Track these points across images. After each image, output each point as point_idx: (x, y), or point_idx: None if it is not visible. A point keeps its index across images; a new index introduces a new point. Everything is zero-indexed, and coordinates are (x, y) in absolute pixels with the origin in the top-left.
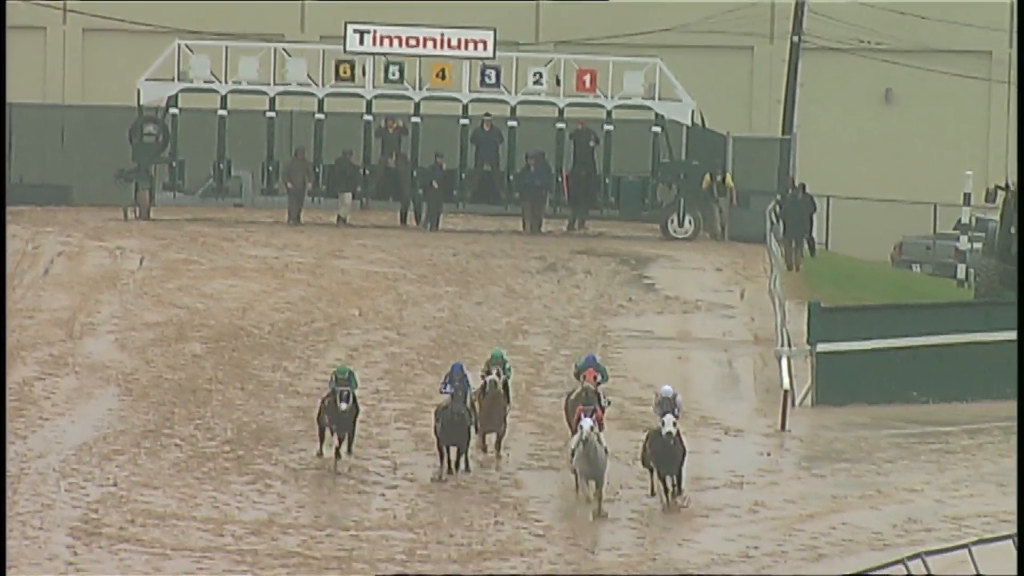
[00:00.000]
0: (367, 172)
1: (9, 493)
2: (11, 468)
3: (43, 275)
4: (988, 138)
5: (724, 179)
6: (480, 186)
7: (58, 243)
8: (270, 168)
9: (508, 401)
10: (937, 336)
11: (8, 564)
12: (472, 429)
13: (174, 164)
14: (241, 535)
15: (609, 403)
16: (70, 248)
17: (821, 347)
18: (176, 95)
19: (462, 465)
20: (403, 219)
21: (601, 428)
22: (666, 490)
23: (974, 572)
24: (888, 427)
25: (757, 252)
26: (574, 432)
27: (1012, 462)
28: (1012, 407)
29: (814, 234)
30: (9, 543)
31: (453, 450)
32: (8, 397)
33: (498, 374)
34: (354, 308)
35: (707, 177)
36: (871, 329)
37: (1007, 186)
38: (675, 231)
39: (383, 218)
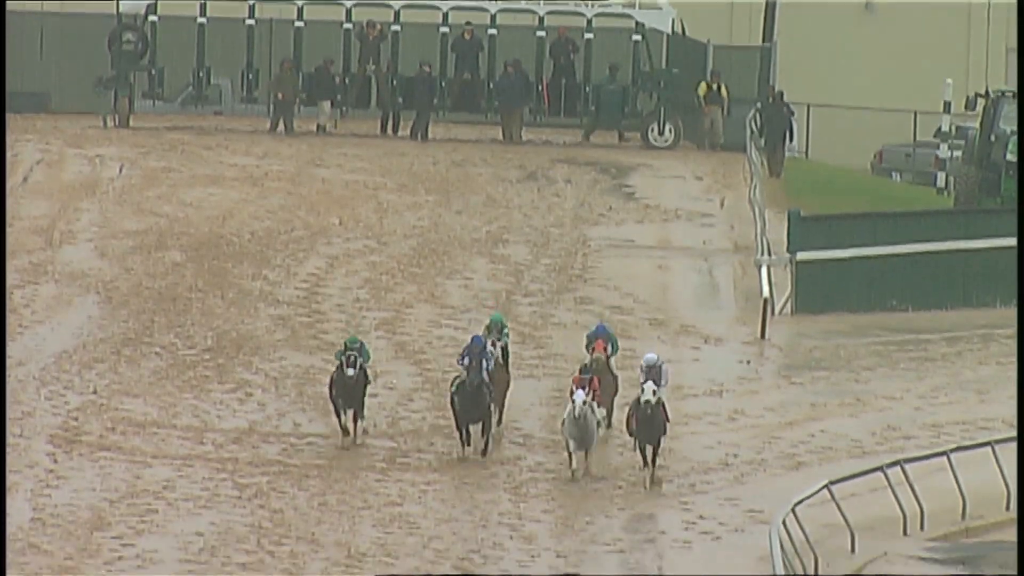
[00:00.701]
0: (347, 80)
1: None
2: None
3: (22, 183)
4: (968, 47)
5: (720, 87)
6: (460, 95)
7: (37, 151)
8: (250, 76)
9: (508, 371)
10: (916, 244)
11: None
12: (492, 405)
13: (153, 72)
14: (222, 443)
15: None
16: (49, 156)
17: (801, 255)
18: (155, 2)
19: (488, 443)
20: (383, 128)
21: (595, 398)
22: (645, 462)
23: (952, 479)
24: (867, 335)
25: (737, 160)
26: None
27: (990, 370)
28: (990, 315)
29: (794, 143)
30: None
31: (475, 429)
32: None
33: (493, 344)
34: (334, 217)
35: (703, 85)
36: (850, 237)
37: (987, 94)
38: (655, 140)
39: (363, 127)
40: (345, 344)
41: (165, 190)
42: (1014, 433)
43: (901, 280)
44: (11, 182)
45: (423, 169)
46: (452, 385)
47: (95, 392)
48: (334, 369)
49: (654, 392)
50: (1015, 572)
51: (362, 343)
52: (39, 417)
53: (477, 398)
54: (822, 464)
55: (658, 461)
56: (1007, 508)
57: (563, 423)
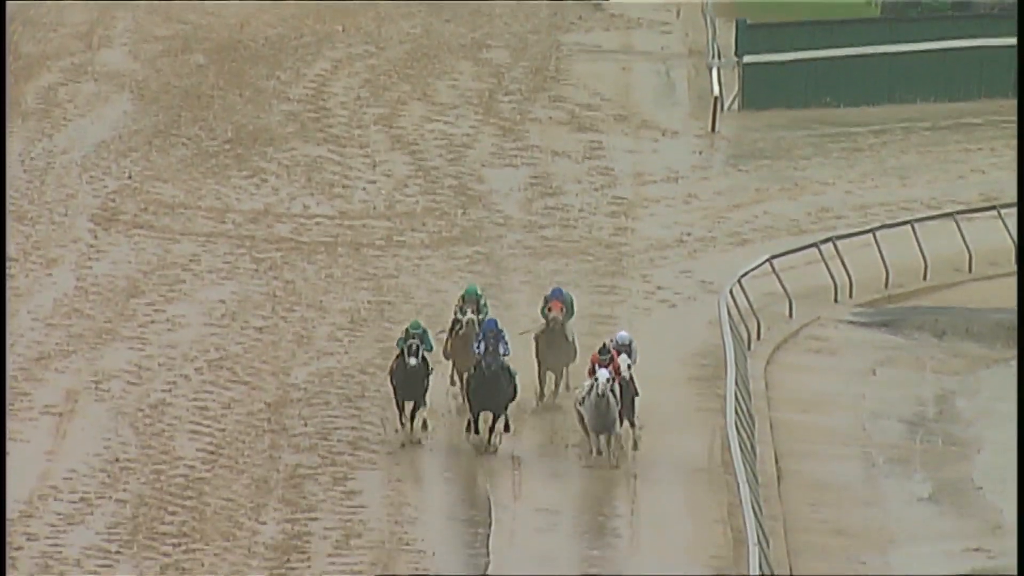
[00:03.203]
0: None
1: (36, 184)
2: (38, 163)
3: None
4: None
5: None
6: None
7: None
8: None
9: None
10: (848, 48)
11: (37, 246)
12: (515, 392)
13: None
14: (241, 222)
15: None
16: None
17: (747, 59)
18: None
19: (494, 433)
20: None
21: (616, 380)
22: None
23: (878, 253)
24: (805, 128)
25: None
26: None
27: (911, 158)
28: (912, 110)
29: None
30: (37, 228)
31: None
32: (34, 101)
33: (474, 312)
34: (338, 24)
35: None
36: (791, 42)
37: None
38: None
39: None
40: (407, 330)
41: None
42: (933, 212)
43: (834, 80)
44: None
45: None
46: (466, 374)
47: (130, 177)
48: (394, 357)
49: (628, 366)
50: (931, 334)
51: (425, 329)
52: (81, 199)
53: (493, 384)
54: (764, 241)
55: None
56: (924, 279)
57: (581, 401)
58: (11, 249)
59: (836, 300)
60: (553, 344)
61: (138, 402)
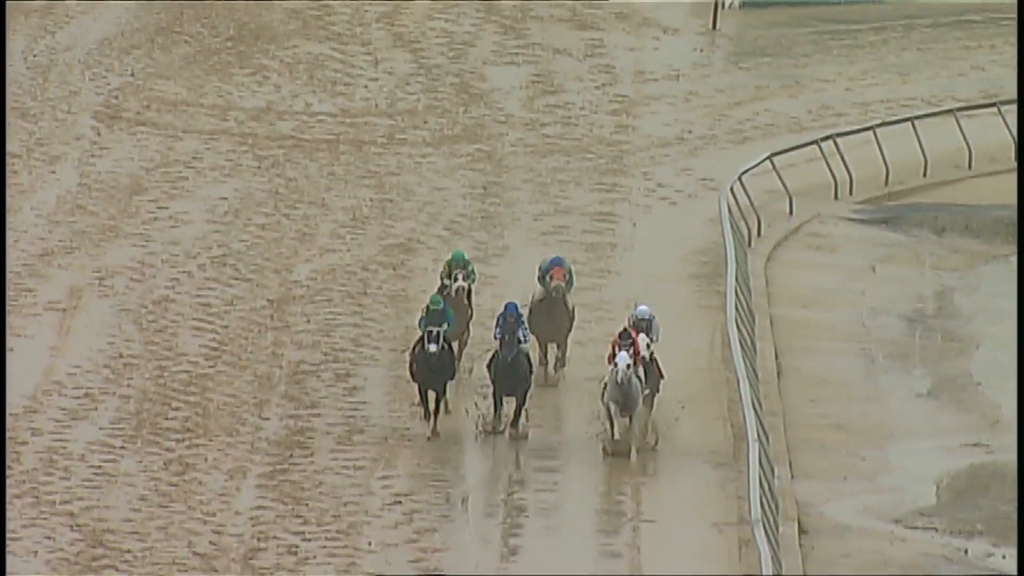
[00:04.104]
0: None
1: (39, 81)
2: (41, 60)
3: None
4: None
5: None
6: None
7: None
8: None
9: (471, 311)
10: None
11: (40, 143)
12: (532, 378)
13: None
14: (243, 120)
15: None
16: None
17: None
18: None
19: (519, 419)
20: None
21: (638, 362)
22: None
23: (878, 150)
24: (805, 26)
25: None
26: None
27: (912, 55)
28: (912, 6)
29: None
30: (41, 125)
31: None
32: None
33: (464, 279)
34: None
35: None
36: None
37: None
38: None
39: None
40: (427, 309)
41: None
42: (933, 109)
43: None
44: None
45: None
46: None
47: (132, 74)
48: (415, 342)
49: (648, 346)
50: (931, 230)
51: (446, 306)
52: (84, 96)
53: (513, 371)
54: (765, 139)
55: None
56: (924, 175)
57: (604, 388)
58: (14, 146)
59: (836, 197)
60: (553, 314)
61: (141, 298)
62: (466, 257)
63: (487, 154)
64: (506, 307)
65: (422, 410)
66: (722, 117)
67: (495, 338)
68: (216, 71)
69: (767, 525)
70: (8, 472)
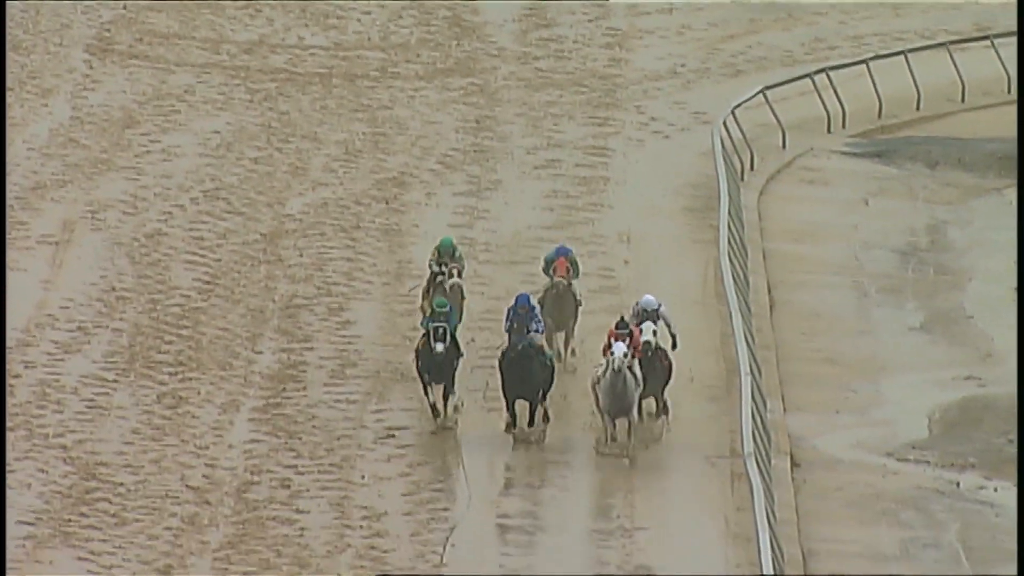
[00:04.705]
0: None
1: (31, 14)
2: None
3: None
4: None
5: None
6: None
7: None
8: None
9: (463, 300)
10: None
11: (32, 76)
12: (552, 376)
13: None
14: (235, 53)
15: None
16: None
17: None
18: None
19: (534, 419)
20: None
21: (635, 355)
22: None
23: (871, 83)
24: None
25: None
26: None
27: None
28: None
29: None
30: (33, 58)
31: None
32: None
33: (458, 274)
34: None
35: None
36: None
37: None
38: None
39: None
40: (433, 308)
41: None
42: (926, 42)
43: None
44: None
45: None
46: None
47: (124, 7)
48: (419, 338)
49: (654, 332)
50: (924, 163)
51: (451, 307)
52: (76, 29)
53: (523, 367)
54: (758, 72)
55: (667, 407)
56: (917, 109)
57: (596, 382)
58: (7, 79)
59: (829, 130)
60: (560, 304)
61: (134, 232)
62: (454, 243)
63: (480, 88)
64: (519, 298)
65: (428, 409)
66: (715, 50)
67: (505, 331)
68: (208, 4)
69: (759, 458)
70: None
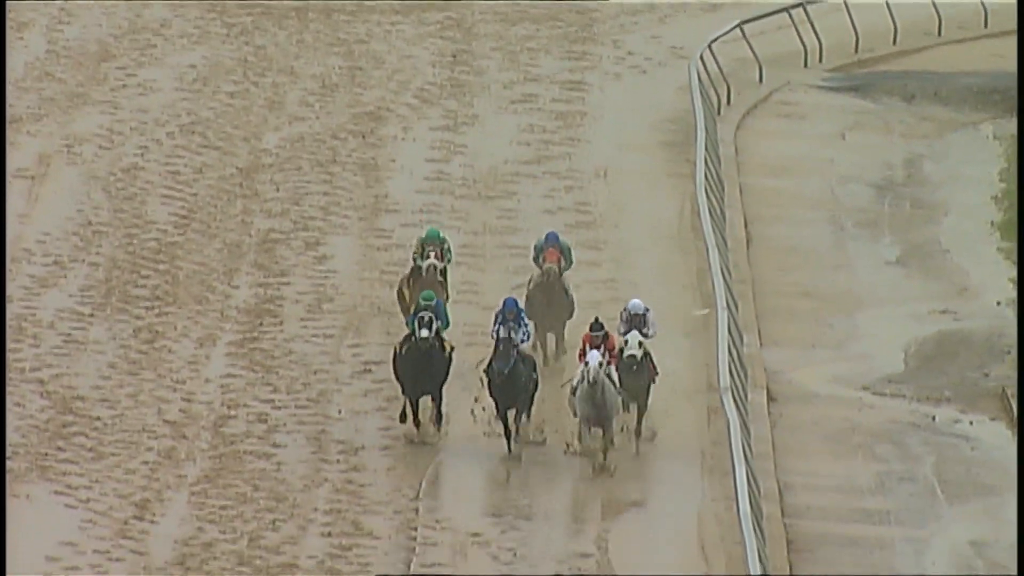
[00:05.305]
0: None
1: None
2: None
3: None
4: None
5: None
6: None
7: None
8: None
9: (446, 292)
10: None
11: (8, 9)
12: (536, 384)
13: None
14: None
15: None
16: None
17: None
18: None
19: (526, 432)
20: None
21: (611, 360)
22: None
23: (847, 18)
24: None
25: None
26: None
27: None
28: None
29: None
30: None
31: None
32: None
33: (437, 258)
34: None
35: None
36: None
37: None
38: None
39: None
40: (419, 300)
41: None
42: None
43: None
44: None
45: None
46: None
47: None
48: (401, 340)
49: (640, 344)
50: (900, 98)
51: (438, 301)
52: None
53: (511, 381)
54: (735, 6)
55: (644, 427)
56: (894, 43)
57: (573, 392)
58: None
59: (806, 65)
60: (551, 299)
61: (110, 166)
62: (441, 235)
63: (456, 22)
64: (504, 303)
65: (410, 417)
66: None
67: (492, 336)
68: None
69: (736, 392)
70: None
